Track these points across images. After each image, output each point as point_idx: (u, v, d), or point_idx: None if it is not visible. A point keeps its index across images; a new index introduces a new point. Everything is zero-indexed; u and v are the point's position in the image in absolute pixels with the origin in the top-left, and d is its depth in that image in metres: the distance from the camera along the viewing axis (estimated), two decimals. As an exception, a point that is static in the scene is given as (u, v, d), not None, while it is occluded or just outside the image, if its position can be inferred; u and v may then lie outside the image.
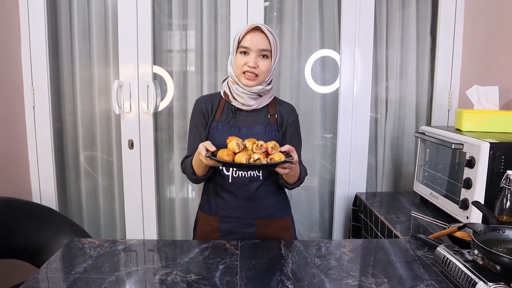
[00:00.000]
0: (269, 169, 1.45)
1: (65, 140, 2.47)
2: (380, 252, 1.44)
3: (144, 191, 2.34)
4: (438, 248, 1.30)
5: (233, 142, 1.28)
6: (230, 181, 1.50)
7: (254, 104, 1.49)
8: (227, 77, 1.53)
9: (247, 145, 1.30)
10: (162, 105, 2.41)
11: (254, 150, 1.28)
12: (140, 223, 2.37)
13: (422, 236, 1.53)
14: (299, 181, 1.50)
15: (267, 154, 1.30)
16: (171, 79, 2.41)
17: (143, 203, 2.34)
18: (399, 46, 2.46)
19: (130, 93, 2.26)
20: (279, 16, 2.42)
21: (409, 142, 2.53)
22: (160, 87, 2.37)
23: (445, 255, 1.24)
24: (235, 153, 1.25)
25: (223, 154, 1.25)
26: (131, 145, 2.27)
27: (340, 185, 2.43)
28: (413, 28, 2.44)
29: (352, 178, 2.42)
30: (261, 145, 1.29)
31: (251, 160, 1.25)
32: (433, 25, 2.45)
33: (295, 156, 1.30)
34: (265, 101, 1.52)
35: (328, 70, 2.47)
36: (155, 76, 2.36)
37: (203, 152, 1.27)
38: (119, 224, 2.51)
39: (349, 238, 2.31)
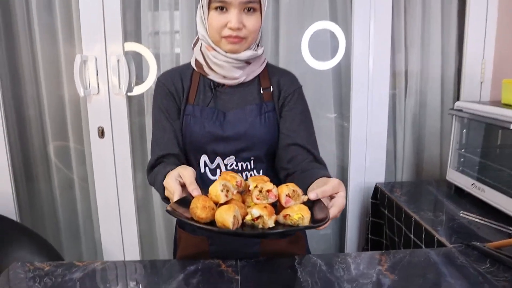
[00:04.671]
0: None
1: (29, 131, 2.06)
2: (430, 270, 1.07)
3: (120, 188, 1.95)
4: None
5: (216, 185, 0.80)
6: (218, 176, 1.11)
7: (241, 75, 1.08)
8: (198, 38, 1.10)
9: (250, 186, 0.86)
10: (145, 87, 2.00)
11: (256, 200, 0.82)
12: (117, 225, 1.98)
13: (478, 244, 1.16)
14: None
15: (279, 206, 0.82)
16: (154, 61, 2.00)
17: (119, 202, 1.94)
18: (420, 10, 2.06)
19: (97, 71, 1.84)
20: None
21: (433, 120, 2.15)
22: (141, 68, 1.98)
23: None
24: (219, 205, 0.80)
25: (196, 206, 0.77)
26: (101, 133, 1.86)
27: (355, 174, 2.05)
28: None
29: (368, 165, 2.04)
30: (268, 191, 0.82)
31: (247, 218, 0.77)
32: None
33: (333, 211, 0.80)
34: (256, 70, 1.11)
35: (328, 44, 2.07)
36: (137, 58, 1.97)
37: (173, 196, 0.87)
38: (96, 226, 2.12)
39: (368, 237, 1.94)
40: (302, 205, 0.80)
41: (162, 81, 1.11)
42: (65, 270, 1.08)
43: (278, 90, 1.12)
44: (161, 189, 0.95)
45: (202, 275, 1.04)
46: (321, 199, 0.83)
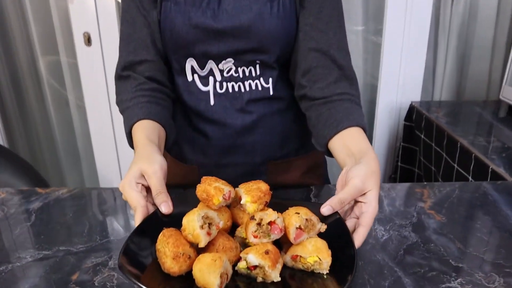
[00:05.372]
0: None
1: (14, 46, 1.80)
2: (488, 209, 0.81)
3: (113, 105, 1.70)
4: None
5: (193, 220, 0.54)
6: (212, 103, 0.84)
7: None
8: None
9: (242, 199, 0.60)
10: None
11: (252, 238, 0.56)
12: (112, 146, 1.77)
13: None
14: None
15: (285, 240, 0.58)
16: None
17: (113, 122, 1.70)
18: None
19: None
20: None
21: (485, 30, 1.78)
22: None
23: None
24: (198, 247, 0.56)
25: (165, 254, 0.54)
26: (87, 40, 1.57)
27: (385, 92, 1.75)
28: None
29: (402, 82, 1.73)
30: (271, 224, 0.56)
31: (241, 266, 0.55)
32: None
33: (360, 235, 0.58)
34: None
35: None
36: None
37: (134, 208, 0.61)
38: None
39: (397, 164, 1.69)
40: (320, 241, 0.56)
41: None
42: (23, 198, 0.87)
43: None
44: (128, 138, 0.76)
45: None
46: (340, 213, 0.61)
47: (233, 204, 0.64)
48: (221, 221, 0.57)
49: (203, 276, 0.51)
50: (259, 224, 0.56)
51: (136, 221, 0.59)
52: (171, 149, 0.93)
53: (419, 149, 1.54)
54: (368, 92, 1.89)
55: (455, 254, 0.67)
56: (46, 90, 1.90)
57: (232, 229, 0.63)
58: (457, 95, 1.88)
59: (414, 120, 1.58)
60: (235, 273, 0.55)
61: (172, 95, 0.85)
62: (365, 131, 0.72)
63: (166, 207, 0.60)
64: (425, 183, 0.96)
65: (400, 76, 1.72)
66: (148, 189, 0.63)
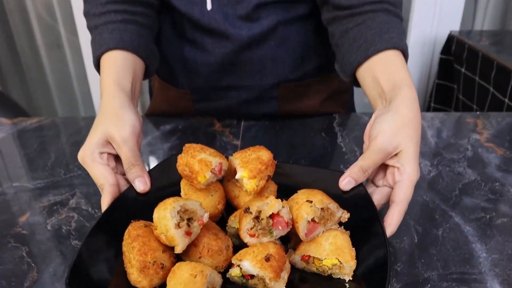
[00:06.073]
0: None
1: None
2: None
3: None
4: None
5: (164, 215, 0.37)
6: (210, 7, 0.64)
7: None
8: None
9: (237, 170, 0.44)
10: None
11: (248, 238, 0.39)
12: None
13: None
14: None
15: (294, 230, 0.40)
16: None
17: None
18: None
19: None
20: None
21: None
22: None
23: None
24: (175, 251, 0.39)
25: (130, 263, 0.37)
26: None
27: (418, 22, 1.51)
28: None
29: (439, 10, 1.48)
30: (273, 217, 0.39)
31: (233, 274, 0.38)
32: None
33: (393, 217, 0.40)
34: None
35: None
36: None
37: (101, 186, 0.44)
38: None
39: (430, 105, 1.49)
40: (341, 237, 0.39)
41: None
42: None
43: None
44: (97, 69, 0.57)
45: (182, 137, 0.65)
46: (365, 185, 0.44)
47: (227, 177, 0.46)
48: (206, 212, 0.39)
49: None
50: (257, 218, 0.38)
51: (103, 204, 0.42)
52: (159, 70, 0.75)
53: (458, 85, 1.33)
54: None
55: (531, 195, 0.50)
56: (34, 24, 1.72)
57: (227, 210, 0.45)
58: (502, 24, 1.63)
59: (454, 52, 1.36)
60: (227, 280, 0.39)
61: (155, 2, 0.66)
62: (405, 55, 0.52)
63: (142, 184, 0.44)
64: (478, 112, 0.77)
65: (437, 3, 1.47)
66: (117, 158, 0.47)
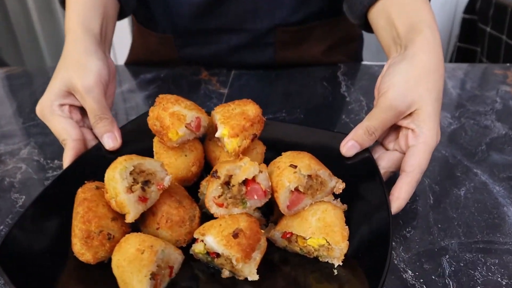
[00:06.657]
0: None
1: None
2: None
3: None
4: None
5: (111, 173, 0.29)
6: None
7: None
8: None
9: (218, 127, 0.35)
10: None
11: (215, 208, 0.30)
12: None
13: None
14: None
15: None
16: None
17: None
18: None
19: None
20: None
21: None
22: None
23: None
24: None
25: (74, 233, 0.29)
26: None
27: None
28: None
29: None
30: (248, 183, 0.30)
31: (196, 250, 0.30)
32: None
33: (402, 188, 0.32)
34: None
35: None
36: None
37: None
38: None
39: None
40: (331, 212, 0.30)
41: None
42: None
43: None
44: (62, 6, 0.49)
45: (160, 87, 0.56)
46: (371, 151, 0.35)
47: (209, 135, 0.37)
48: (168, 175, 0.31)
49: (122, 276, 0.27)
50: (227, 184, 0.30)
51: (65, 160, 0.35)
52: (137, 12, 0.66)
53: (482, 48, 1.21)
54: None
55: None
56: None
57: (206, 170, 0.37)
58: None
59: (478, 11, 1.23)
60: (191, 258, 0.31)
61: None
62: None
63: (111, 140, 0.37)
64: (508, 64, 0.67)
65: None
66: (83, 110, 0.39)
